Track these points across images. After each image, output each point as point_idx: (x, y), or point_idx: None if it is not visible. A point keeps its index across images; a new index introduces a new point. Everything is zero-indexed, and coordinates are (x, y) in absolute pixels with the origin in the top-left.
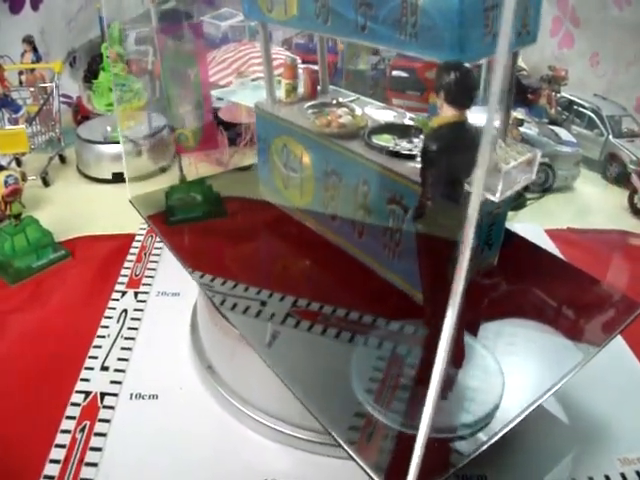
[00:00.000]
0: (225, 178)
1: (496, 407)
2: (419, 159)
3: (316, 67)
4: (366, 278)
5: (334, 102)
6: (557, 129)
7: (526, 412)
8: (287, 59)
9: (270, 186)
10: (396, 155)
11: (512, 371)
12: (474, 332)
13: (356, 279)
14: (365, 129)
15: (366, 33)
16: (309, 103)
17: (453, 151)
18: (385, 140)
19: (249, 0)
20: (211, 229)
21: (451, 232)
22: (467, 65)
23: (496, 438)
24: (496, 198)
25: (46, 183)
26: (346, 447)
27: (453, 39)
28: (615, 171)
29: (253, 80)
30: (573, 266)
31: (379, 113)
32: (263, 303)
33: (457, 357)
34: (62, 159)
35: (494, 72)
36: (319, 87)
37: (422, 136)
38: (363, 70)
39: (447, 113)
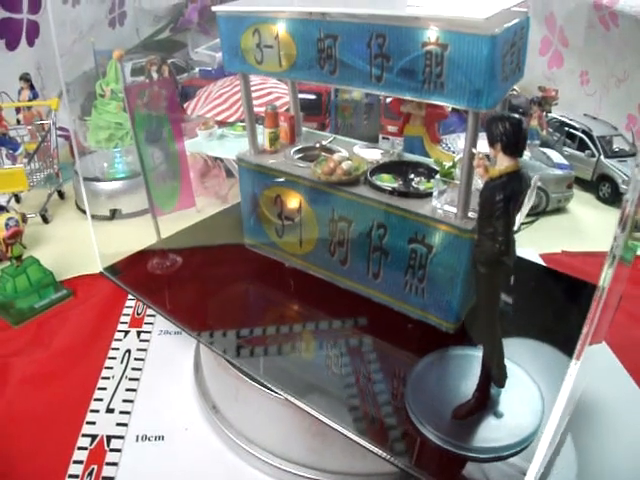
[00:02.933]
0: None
1: (540, 424)
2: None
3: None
4: (387, 316)
5: (317, 146)
6: (548, 151)
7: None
8: (267, 107)
9: (259, 237)
10: (411, 195)
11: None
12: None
13: (378, 318)
14: (366, 172)
15: (382, 84)
16: (293, 149)
17: (516, 197)
18: (387, 180)
19: (230, 52)
20: (207, 283)
21: (509, 270)
22: (518, 116)
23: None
24: (515, 227)
25: (46, 220)
26: None
27: (484, 89)
28: (607, 191)
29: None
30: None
31: (367, 152)
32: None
33: (500, 377)
34: (61, 195)
35: None
36: None
37: (438, 176)
38: (357, 99)
39: (503, 162)
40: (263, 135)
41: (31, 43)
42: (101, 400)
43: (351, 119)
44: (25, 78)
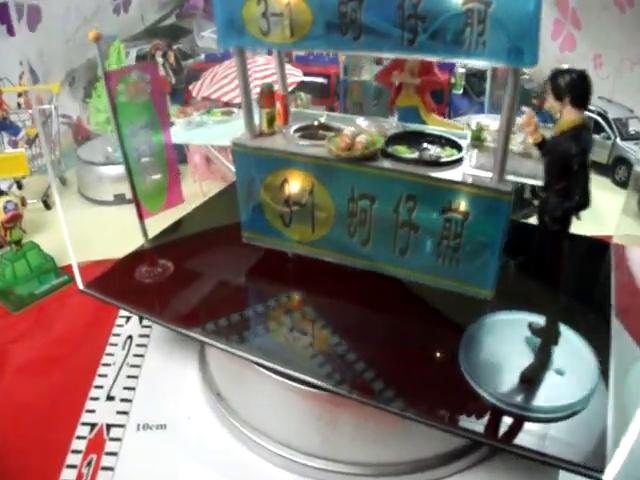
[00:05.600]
0: None
1: (595, 385)
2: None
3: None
4: (415, 291)
5: (316, 124)
6: None
7: None
8: (263, 86)
9: (260, 229)
10: (440, 164)
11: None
12: None
13: (405, 294)
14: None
15: (415, 47)
16: (293, 129)
17: (589, 149)
18: (403, 151)
19: (227, 25)
20: (202, 281)
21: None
22: (581, 69)
23: None
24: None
25: (47, 206)
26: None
27: (527, 45)
28: (624, 175)
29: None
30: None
31: (369, 124)
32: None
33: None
34: (63, 181)
35: None
36: None
37: (468, 140)
38: (367, 81)
39: (570, 115)
40: (259, 116)
41: (32, 28)
42: (101, 387)
43: (360, 100)
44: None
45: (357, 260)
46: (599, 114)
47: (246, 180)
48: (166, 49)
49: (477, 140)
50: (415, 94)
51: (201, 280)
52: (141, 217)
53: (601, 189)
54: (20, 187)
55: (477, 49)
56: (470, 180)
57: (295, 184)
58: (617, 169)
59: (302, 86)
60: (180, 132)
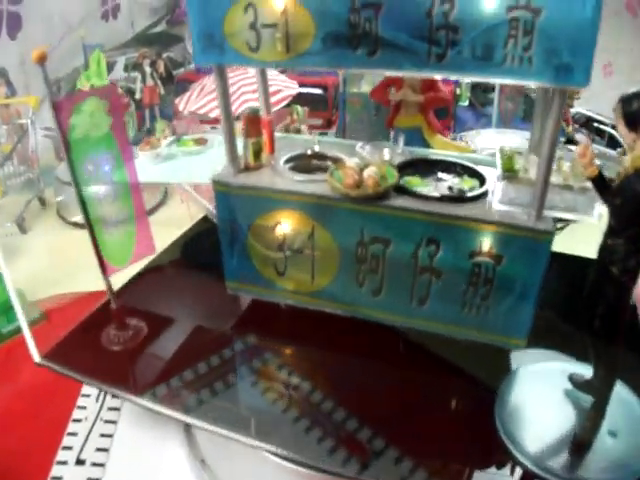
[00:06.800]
0: None
1: None
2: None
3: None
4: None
5: (309, 153)
6: (575, 148)
7: None
8: (247, 111)
9: (248, 278)
10: (466, 200)
11: None
12: None
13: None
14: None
15: (445, 63)
16: (282, 160)
17: None
18: (417, 185)
19: (204, 38)
20: (185, 348)
21: None
22: None
23: None
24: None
25: (23, 230)
26: None
27: (585, 63)
28: None
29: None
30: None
31: (371, 151)
32: None
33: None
34: (42, 202)
35: None
36: None
37: (499, 171)
38: (366, 93)
39: None
40: (242, 145)
41: (13, 37)
42: (70, 449)
43: (361, 114)
44: (1, 73)
45: (365, 311)
46: (613, 127)
47: (230, 223)
48: (155, 58)
49: (510, 172)
50: (417, 113)
51: (179, 345)
52: (105, 275)
53: None
54: None
55: (520, 66)
56: (504, 218)
57: (291, 227)
58: None
59: (298, 98)
60: (147, 167)
